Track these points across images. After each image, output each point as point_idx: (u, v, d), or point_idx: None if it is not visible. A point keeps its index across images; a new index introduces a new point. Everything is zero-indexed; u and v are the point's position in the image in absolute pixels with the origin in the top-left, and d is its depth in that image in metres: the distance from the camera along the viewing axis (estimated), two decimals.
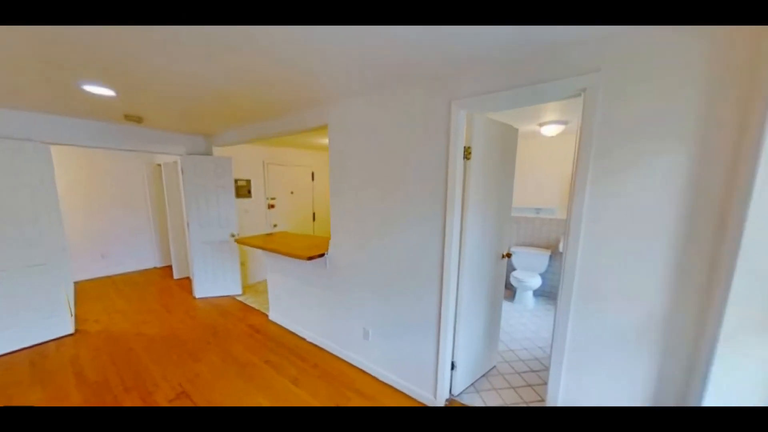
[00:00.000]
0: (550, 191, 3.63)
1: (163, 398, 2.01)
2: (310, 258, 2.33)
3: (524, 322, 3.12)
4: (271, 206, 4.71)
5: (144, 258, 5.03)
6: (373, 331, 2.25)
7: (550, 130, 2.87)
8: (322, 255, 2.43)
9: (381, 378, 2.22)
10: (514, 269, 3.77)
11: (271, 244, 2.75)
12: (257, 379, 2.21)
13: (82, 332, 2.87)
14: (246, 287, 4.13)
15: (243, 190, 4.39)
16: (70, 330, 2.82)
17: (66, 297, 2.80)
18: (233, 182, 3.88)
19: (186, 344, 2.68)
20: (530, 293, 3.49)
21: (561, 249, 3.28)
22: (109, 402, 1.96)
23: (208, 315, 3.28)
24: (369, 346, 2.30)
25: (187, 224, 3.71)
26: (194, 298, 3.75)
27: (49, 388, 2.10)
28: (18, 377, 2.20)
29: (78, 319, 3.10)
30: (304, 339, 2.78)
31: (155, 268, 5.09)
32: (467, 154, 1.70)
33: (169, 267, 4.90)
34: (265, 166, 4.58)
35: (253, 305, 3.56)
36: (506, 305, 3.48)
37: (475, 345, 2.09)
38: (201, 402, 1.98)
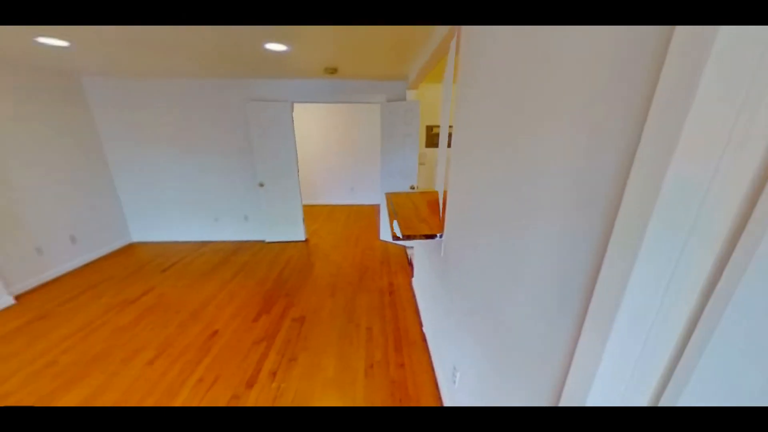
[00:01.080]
0: None
1: (292, 315, 2.44)
2: (407, 237, 1.69)
3: None
4: None
5: (374, 195, 6.29)
6: (459, 376, 1.36)
7: None
8: (428, 237, 1.69)
9: None
10: None
11: (402, 207, 2.31)
12: (345, 343, 2.11)
13: (307, 242, 4.11)
14: None
15: (435, 138, 4.06)
16: (302, 238, 4.12)
17: (302, 216, 4.05)
18: (418, 129, 3.62)
19: (339, 277, 3.07)
20: None
21: None
22: (273, 298, 2.67)
23: (373, 259, 3.57)
24: (454, 394, 1.45)
25: (380, 171, 4.03)
26: (377, 239, 4.23)
27: (269, 270, 3.19)
28: (270, 258, 3.54)
29: (312, 232, 4.48)
30: (419, 323, 2.31)
31: (378, 204, 6.27)
32: None
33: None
34: None
35: (412, 262, 3.45)
36: None
37: None
38: (302, 334, 2.19)
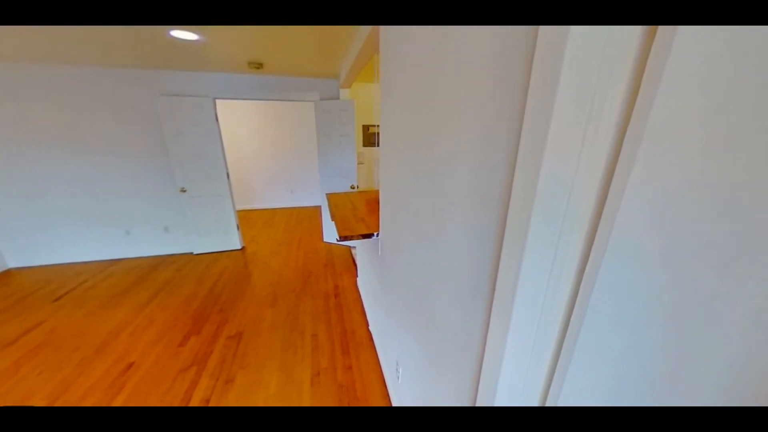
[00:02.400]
0: None
1: (227, 332, 2.22)
2: (345, 238, 1.66)
3: None
4: None
5: (315, 196, 6.10)
6: (401, 371, 1.39)
7: None
8: (366, 236, 1.69)
9: None
10: None
11: (341, 207, 2.28)
12: (289, 354, 2.00)
13: (244, 250, 3.80)
14: None
15: (371, 138, 4.09)
16: (238, 246, 3.79)
17: (236, 222, 3.72)
18: (355, 128, 3.61)
19: (280, 285, 2.91)
20: None
21: None
22: (204, 316, 2.40)
23: (317, 262, 3.46)
24: (398, 389, 1.48)
25: (319, 172, 3.91)
26: (321, 241, 4.12)
27: (197, 285, 2.86)
28: (199, 271, 3.18)
29: (250, 239, 4.16)
30: (366, 323, 2.31)
31: (320, 206, 6.12)
32: None
33: None
34: None
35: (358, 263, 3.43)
36: None
37: None
38: (240, 351, 2.02)
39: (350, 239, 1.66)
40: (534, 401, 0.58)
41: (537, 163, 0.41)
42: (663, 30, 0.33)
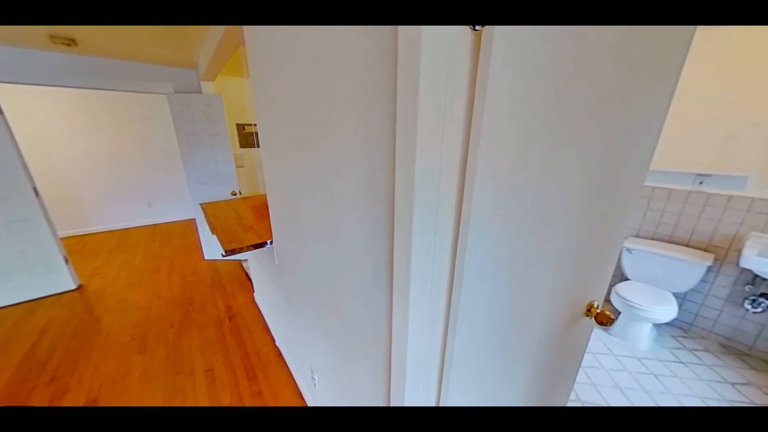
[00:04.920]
0: (744, 145, 1.75)
1: (69, 403, 1.64)
2: (232, 251, 1.47)
3: (622, 380, 1.74)
4: None
5: (185, 208, 5.12)
6: (317, 377, 1.36)
7: None
8: (258, 246, 1.54)
9: None
10: (624, 277, 2.23)
11: (223, 217, 1.99)
12: (177, 403, 1.65)
13: (83, 289, 2.85)
14: None
15: (249, 138, 3.72)
16: (72, 286, 2.81)
17: (62, 252, 2.74)
18: (227, 127, 3.19)
19: (149, 323, 2.33)
20: (647, 327, 1.96)
21: (744, 261, 1.60)
22: (21, 394, 1.69)
23: (200, 284, 2.94)
24: (317, 397, 1.45)
25: (186, 179, 3.28)
26: (202, 259, 3.51)
27: (0, 355, 1.98)
28: (1, 333, 2.19)
29: (91, 273, 3.15)
30: (272, 339, 2.13)
31: (194, 218, 5.20)
32: None
33: None
34: None
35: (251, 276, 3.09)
36: (600, 338, 2.09)
37: None
38: None
39: (239, 252, 1.48)
40: (435, 365, 0.67)
41: (412, 160, 0.47)
42: (483, 50, 0.43)
